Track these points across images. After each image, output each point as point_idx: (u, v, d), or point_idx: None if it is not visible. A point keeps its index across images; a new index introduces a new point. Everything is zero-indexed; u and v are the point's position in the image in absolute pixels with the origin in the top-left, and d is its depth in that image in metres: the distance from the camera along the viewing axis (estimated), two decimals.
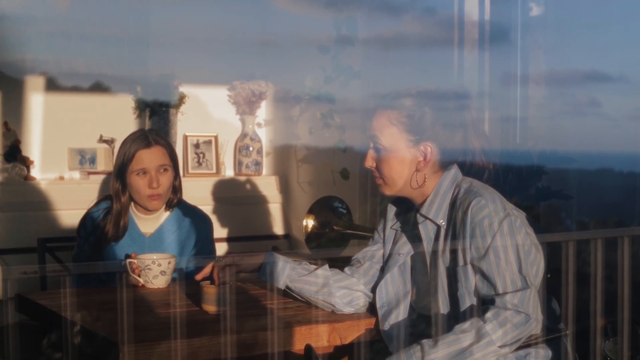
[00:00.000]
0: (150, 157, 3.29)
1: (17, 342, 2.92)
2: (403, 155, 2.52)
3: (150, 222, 3.36)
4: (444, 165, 2.55)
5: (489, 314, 2.31)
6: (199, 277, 2.73)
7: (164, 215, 3.38)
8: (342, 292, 2.66)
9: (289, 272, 2.66)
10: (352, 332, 2.58)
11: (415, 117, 2.50)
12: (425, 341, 2.32)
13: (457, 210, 2.45)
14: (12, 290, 3.21)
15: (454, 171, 2.55)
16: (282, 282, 2.67)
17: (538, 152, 4.01)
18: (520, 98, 4.31)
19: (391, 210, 2.70)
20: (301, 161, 5.27)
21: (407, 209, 2.66)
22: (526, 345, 2.40)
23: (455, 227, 2.45)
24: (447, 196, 2.51)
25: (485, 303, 2.37)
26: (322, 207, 3.84)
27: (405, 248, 2.62)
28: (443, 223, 2.49)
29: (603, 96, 4.03)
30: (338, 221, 3.80)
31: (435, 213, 2.51)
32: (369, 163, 2.58)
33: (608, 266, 2.83)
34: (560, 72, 4.32)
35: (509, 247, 2.37)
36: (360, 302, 2.68)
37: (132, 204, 3.37)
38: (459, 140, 2.54)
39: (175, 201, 3.38)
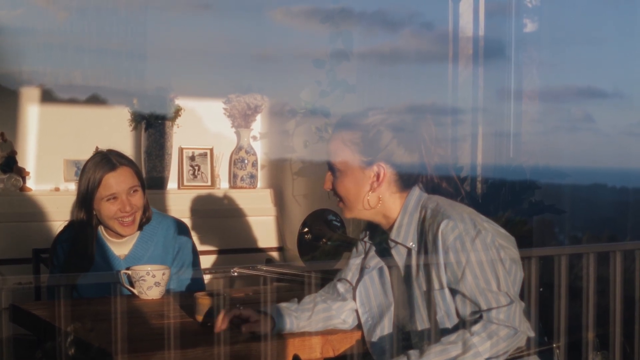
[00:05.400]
0: (118, 181, 3.13)
1: (11, 353, 2.92)
2: (356, 176, 2.50)
3: (123, 244, 3.24)
4: (403, 186, 2.52)
5: (476, 327, 2.31)
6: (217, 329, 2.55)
7: (136, 234, 3.25)
8: (344, 315, 2.66)
9: (293, 323, 2.61)
10: (345, 344, 2.59)
11: (369, 137, 2.48)
12: (412, 352, 2.33)
13: (426, 233, 2.43)
14: (6, 300, 3.20)
15: (418, 192, 2.52)
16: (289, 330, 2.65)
17: (531, 167, 4.03)
18: (514, 113, 4.34)
19: (367, 223, 2.69)
20: (296, 174, 5.29)
21: (377, 227, 2.64)
22: (515, 357, 2.41)
23: (427, 251, 2.43)
24: (414, 218, 2.49)
25: (471, 322, 2.36)
26: (316, 220, 3.85)
27: (372, 262, 2.61)
28: (413, 245, 2.47)
29: (597, 112, 4.05)
30: (332, 234, 3.81)
31: (405, 236, 2.49)
32: (327, 185, 2.58)
33: (599, 281, 2.84)
34: (554, 87, 4.34)
35: (485, 265, 2.35)
36: (356, 317, 2.67)
37: (102, 228, 3.24)
38: (416, 159, 2.51)
39: (145, 221, 3.25)
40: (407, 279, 2.50)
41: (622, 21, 3.93)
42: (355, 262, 2.70)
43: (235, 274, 3.71)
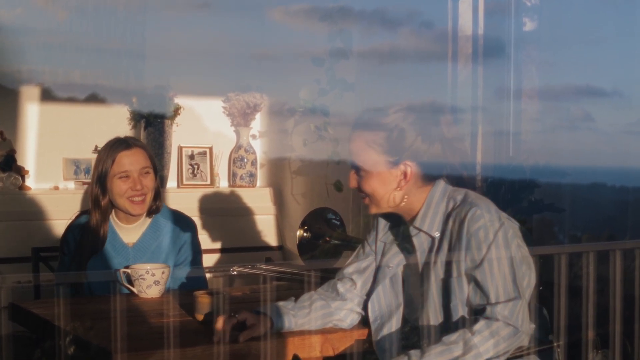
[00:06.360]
0: (131, 160, 3.25)
1: (11, 352, 2.92)
2: (383, 176, 2.52)
3: (132, 231, 3.31)
4: (428, 179, 2.54)
5: (477, 326, 2.31)
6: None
7: (146, 223, 3.33)
8: (343, 313, 2.67)
9: (292, 321, 2.61)
10: (345, 343, 2.59)
11: (393, 137, 2.49)
12: (412, 352, 2.33)
13: (453, 222, 2.46)
14: (5, 299, 3.20)
15: (443, 184, 2.55)
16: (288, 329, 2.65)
17: (531, 165, 4.03)
18: (514, 112, 4.33)
19: (381, 222, 2.70)
20: (295, 173, 5.28)
21: (397, 221, 2.66)
22: (515, 356, 2.41)
23: (451, 239, 2.46)
24: (440, 208, 2.51)
25: (476, 312, 2.38)
26: (315, 219, 3.85)
27: (394, 260, 2.62)
28: (437, 234, 2.49)
29: (596, 111, 4.05)
30: (332, 233, 3.81)
31: (430, 225, 2.51)
32: (352, 184, 2.58)
33: (599, 279, 2.84)
34: (553, 86, 4.34)
35: (503, 258, 2.38)
36: (354, 317, 2.68)
37: (113, 213, 3.31)
38: (439, 153, 2.52)
39: (155, 207, 3.33)
40: (425, 268, 2.51)
41: (622, 20, 3.93)
42: (362, 264, 2.70)
43: (235, 272, 3.71)
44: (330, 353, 2.56)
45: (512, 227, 2.49)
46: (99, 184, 3.26)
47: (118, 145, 3.28)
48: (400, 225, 2.65)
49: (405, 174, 2.50)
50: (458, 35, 4.47)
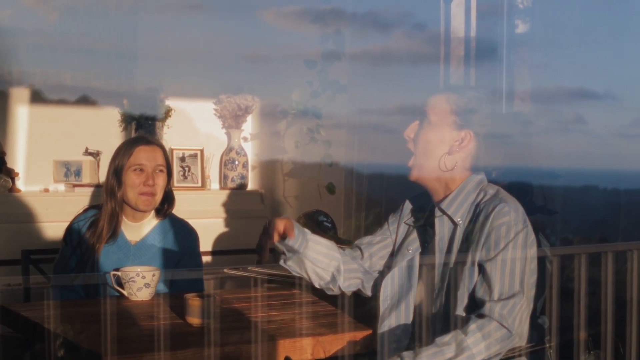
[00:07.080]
0: (148, 155, 3.32)
1: (0, 354, 2.90)
2: (443, 133, 2.57)
3: (136, 229, 3.34)
4: (472, 164, 2.59)
5: (471, 326, 2.32)
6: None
7: (151, 223, 3.36)
8: (346, 271, 2.75)
9: (307, 246, 2.73)
10: (336, 345, 2.58)
11: (470, 105, 2.57)
12: (405, 353, 2.34)
13: (479, 213, 2.50)
14: None
15: (482, 176, 2.61)
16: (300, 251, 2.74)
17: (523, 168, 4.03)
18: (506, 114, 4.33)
19: (408, 206, 2.76)
20: (287, 175, 5.28)
21: (424, 206, 2.70)
22: (508, 357, 2.41)
23: (473, 229, 2.49)
24: (470, 197, 2.55)
25: (476, 305, 2.39)
26: (307, 221, 3.85)
27: (414, 244, 2.66)
28: (460, 222, 2.53)
29: (589, 113, 4.05)
30: (323, 235, 3.80)
31: (455, 210, 2.55)
32: (408, 132, 2.64)
33: (591, 282, 2.84)
34: (546, 88, 4.34)
35: (517, 259, 2.41)
36: (352, 282, 2.75)
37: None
38: (500, 150, 2.62)
39: (167, 210, 3.39)
40: (441, 254, 2.55)
41: (614, 22, 3.93)
42: (375, 239, 2.78)
43: (226, 275, 3.70)
44: (322, 355, 2.55)
45: (532, 236, 2.51)
46: (115, 176, 3.33)
47: (138, 140, 3.41)
48: (425, 210, 2.68)
49: (462, 140, 2.55)
50: (450, 38, 4.47)
